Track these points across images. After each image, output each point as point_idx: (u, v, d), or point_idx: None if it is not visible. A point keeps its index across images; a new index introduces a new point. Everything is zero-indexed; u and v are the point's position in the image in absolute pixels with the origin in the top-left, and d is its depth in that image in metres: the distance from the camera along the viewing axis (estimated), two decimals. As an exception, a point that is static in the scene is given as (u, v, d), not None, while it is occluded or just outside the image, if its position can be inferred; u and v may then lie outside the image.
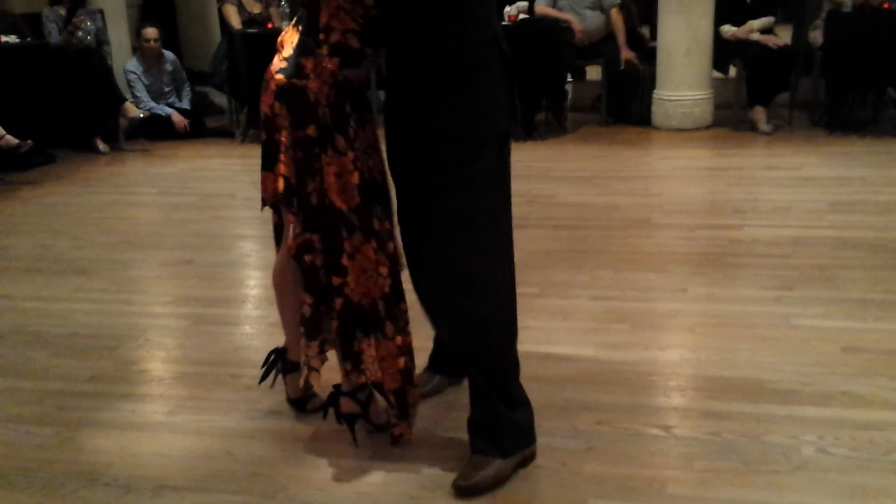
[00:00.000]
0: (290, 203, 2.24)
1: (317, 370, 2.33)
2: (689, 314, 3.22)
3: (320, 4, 2.14)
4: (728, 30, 6.26)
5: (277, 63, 2.25)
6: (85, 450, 2.48)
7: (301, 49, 2.19)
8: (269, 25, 6.83)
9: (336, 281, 2.25)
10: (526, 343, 3.00)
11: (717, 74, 6.64)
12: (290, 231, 2.29)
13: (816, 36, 6.17)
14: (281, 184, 2.25)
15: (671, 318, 3.21)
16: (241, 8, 6.96)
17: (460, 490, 2.17)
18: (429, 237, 2.19)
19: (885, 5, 5.88)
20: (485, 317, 2.16)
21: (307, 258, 2.27)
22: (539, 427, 2.46)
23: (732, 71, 6.59)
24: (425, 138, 2.14)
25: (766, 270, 3.60)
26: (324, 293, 2.28)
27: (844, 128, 6.01)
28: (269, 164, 2.32)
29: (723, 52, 6.38)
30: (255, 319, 3.43)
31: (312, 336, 2.31)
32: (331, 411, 2.42)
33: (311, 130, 2.19)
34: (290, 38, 2.26)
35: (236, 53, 6.65)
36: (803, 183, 4.94)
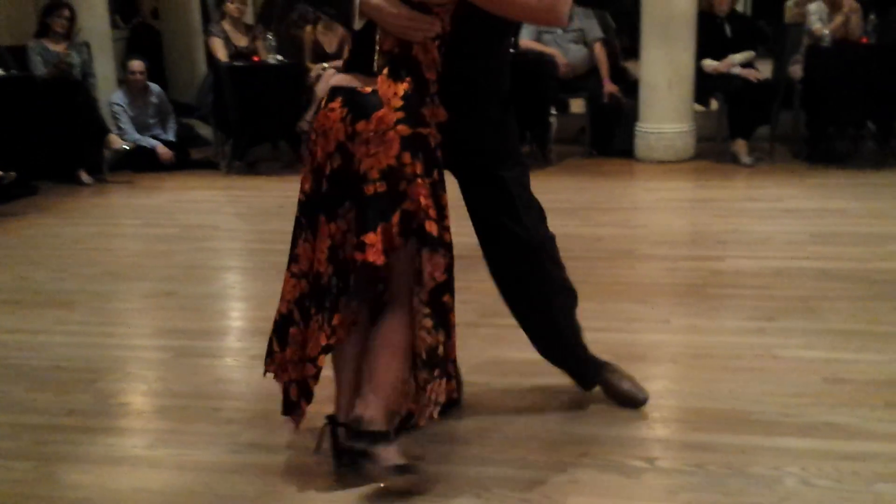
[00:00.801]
0: (438, 246, 2.28)
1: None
2: (672, 345, 3.22)
3: (420, 58, 2.23)
4: (709, 64, 6.33)
5: (389, 114, 2.19)
6: (63, 485, 2.45)
7: (418, 98, 2.23)
8: (256, 59, 6.87)
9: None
10: (510, 375, 3.02)
11: (698, 108, 6.71)
12: (428, 274, 2.29)
13: (796, 70, 6.26)
14: (435, 228, 2.24)
15: (654, 349, 3.22)
16: (227, 41, 7.00)
17: None
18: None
19: (864, 40, 5.98)
20: None
21: (445, 298, 2.32)
22: (522, 460, 2.46)
23: (714, 104, 6.66)
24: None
25: (749, 301, 3.62)
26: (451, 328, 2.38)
27: (825, 160, 6.07)
28: (384, 217, 2.21)
29: (704, 85, 6.45)
30: (238, 352, 3.41)
31: (444, 373, 2.36)
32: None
33: (436, 175, 2.26)
34: (381, 87, 2.22)
35: (222, 86, 6.68)
36: (784, 214, 4.98)
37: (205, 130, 7.74)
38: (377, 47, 2.24)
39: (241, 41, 7.02)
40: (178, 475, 2.47)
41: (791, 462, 2.39)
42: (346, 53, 2.39)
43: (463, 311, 3.57)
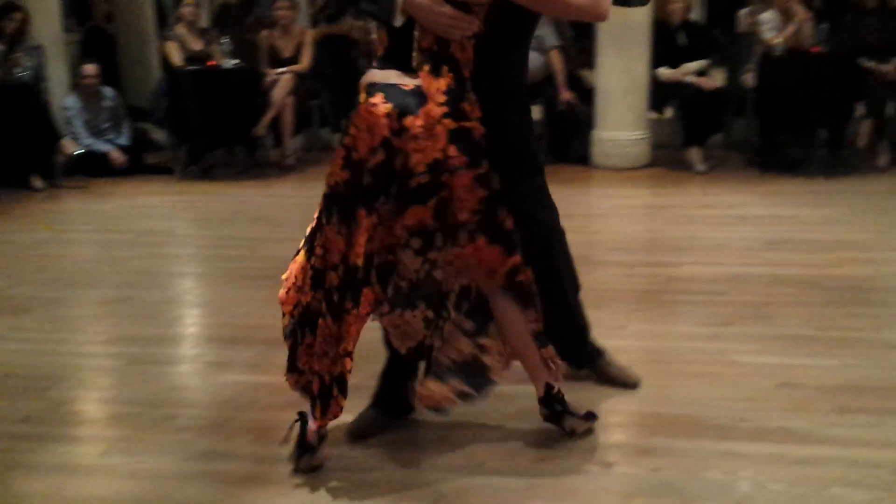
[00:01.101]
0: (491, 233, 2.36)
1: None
2: (628, 351, 3.24)
3: (458, 56, 2.29)
4: (664, 72, 6.41)
5: (435, 109, 2.25)
6: (15, 493, 2.40)
7: (459, 93, 2.29)
8: (211, 63, 6.80)
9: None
10: (468, 381, 3.01)
11: (654, 115, 6.79)
12: (493, 263, 2.37)
13: (749, 78, 6.36)
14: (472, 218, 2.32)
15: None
16: (182, 45, 6.92)
17: None
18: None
19: (816, 49, 6.09)
20: None
21: (520, 278, 2.40)
22: (481, 466, 2.47)
23: (669, 112, 6.74)
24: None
25: (703, 307, 3.66)
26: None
27: (777, 168, 6.17)
28: (421, 199, 2.30)
29: (659, 93, 6.53)
30: (192, 359, 3.37)
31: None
32: None
33: (484, 166, 2.31)
34: (427, 83, 2.28)
35: (177, 90, 6.60)
36: (738, 221, 5.05)
37: (159, 135, 7.64)
38: (415, 45, 2.29)
39: (196, 45, 6.95)
40: (132, 484, 2.43)
41: (745, 466, 2.42)
42: (379, 50, 2.40)
43: (421, 318, 3.59)
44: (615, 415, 2.75)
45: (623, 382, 2.92)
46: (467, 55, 2.30)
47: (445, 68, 2.28)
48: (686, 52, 6.42)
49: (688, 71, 6.34)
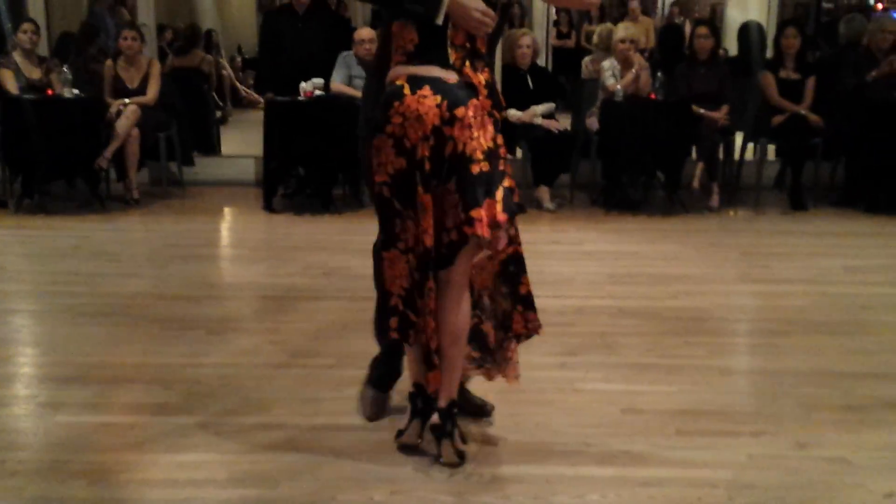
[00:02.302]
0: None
1: None
2: (479, 381, 3.26)
3: (482, 52, 2.53)
4: (514, 114, 6.60)
5: (484, 101, 2.49)
6: None
7: (494, 86, 2.55)
8: (49, 92, 6.48)
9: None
10: (322, 415, 2.98)
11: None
12: (498, 246, 2.59)
13: (592, 122, 6.64)
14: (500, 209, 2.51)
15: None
16: (18, 72, 6.57)
17: None
18: None
19: (652, 96, 6.44)
20: None
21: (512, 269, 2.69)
22: (334, 500, 2.43)
23: (519, 153, 6.94)
24: None
25: (552, 338, 3.74)
26: None
27: (619, 207, 6.45)
28: (489, 193, 2.49)
29: (510, 134, 6.70)
30: (25, 399, 3.15)
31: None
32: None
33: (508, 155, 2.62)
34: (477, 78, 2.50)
35: (12, 119, 6.24)
36: (584, 257, 5.24)
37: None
38: (449, 42, 2.46)
39: (34, 73, 6.62)
40: (-48, 535, 2.24)
41: (592, 489, 2.49)
42: (408, 47, 2.50)
43: (273, 352, 3.53)
44: (468, 444, 2.77)
45: (476, 411, 2.95)
46: (484, 51, 2.52)
47: (481, 63, 2.51)
48: (534, 94, 6.64)
49: (536, 113, 6.55)
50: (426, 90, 2.44)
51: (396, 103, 2.46)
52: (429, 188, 2.48)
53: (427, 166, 2.46)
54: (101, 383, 3.24)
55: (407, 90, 2.45)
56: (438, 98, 2.43)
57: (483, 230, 2.46)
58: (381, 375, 3.01)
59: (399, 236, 2.57)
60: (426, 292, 2.53)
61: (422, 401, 2.67)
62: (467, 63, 2.49)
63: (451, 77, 2.46)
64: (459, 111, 2.45)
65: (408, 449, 2.68)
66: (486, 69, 2.53)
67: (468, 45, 2.49)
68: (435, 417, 2.61)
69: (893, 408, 3.07)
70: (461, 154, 2.46)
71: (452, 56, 2.47)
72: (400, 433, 2.70)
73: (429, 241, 2.50)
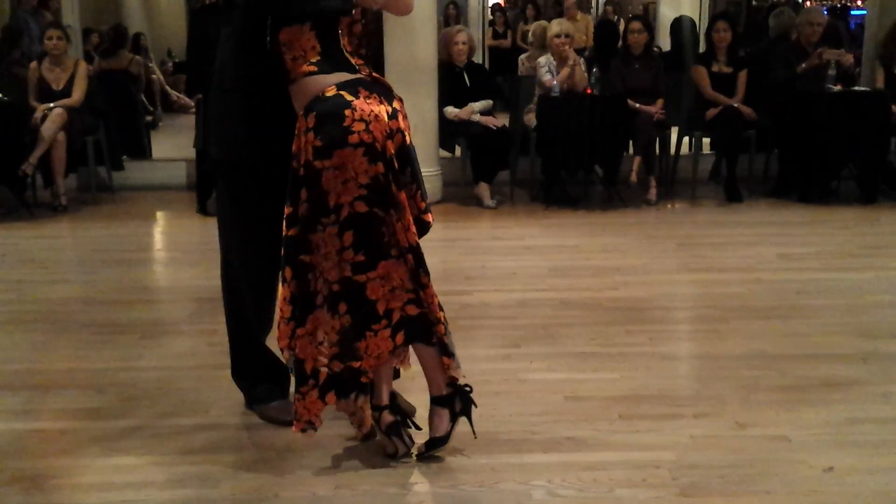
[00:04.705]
0: None
1: None
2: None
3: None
4: (451, 111, 6.59)
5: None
6: None
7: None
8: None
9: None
10: (260, 411, 2.90)
11: (445, 153, 6.95)
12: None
13: (530, 118, 6.67)
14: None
15: (409, 379, 3.22)
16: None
17: None
18: None
19: (588, 91, 6.49)
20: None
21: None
22: (277, 497, 2.38)
23: (458, 151, 6.93)
24: None
25: (496, 331, 3.75)
26: None
27: (559, 202, 6.48)
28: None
29: (448, 131, 6.70)
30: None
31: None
32: None
33: None
34: None
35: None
36: (526, 251, 5.25)
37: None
38: (343, 48, 2.47)
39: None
40: None
41: (538, 476, 2.48)
42: (312, 57, 2.42)
43: (211, 354, 3.46)
44: (414, 436, 2.73)
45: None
46: (364, 52, 2.58)
47: (365, 63, 2.51)
48: (471, 92, 6.64)
49: (474, 109, 6.55)
50: (363, 92, 2.40)
51: (348, 111, 2.34)
52: (400, 185, 2.44)
53: (395, 164, 2.43)
54: (31, 389, 3.14)
55: (347, 96, 2.36)
56: (376, 96, 2.42)
57: (432, 218, 2.59)
58: (269, 389, 2.94)
59: (390, 244, 2.45)
60: (430, 287, 2.54)
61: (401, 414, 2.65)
62: (362, 62, 2.51)
63: (364, 76, 2.46)
64: (396, 104, 2.48)
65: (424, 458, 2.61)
66: (368, 68, 2.52)
67: (358, 48, 2.53)
68: (388, 415, 2.58)
69: (829, 387, 3.13)
70: (410, 145, 2.50)
71: (352, 59, 2.49)
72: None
73: (413, 238, 2.46)
